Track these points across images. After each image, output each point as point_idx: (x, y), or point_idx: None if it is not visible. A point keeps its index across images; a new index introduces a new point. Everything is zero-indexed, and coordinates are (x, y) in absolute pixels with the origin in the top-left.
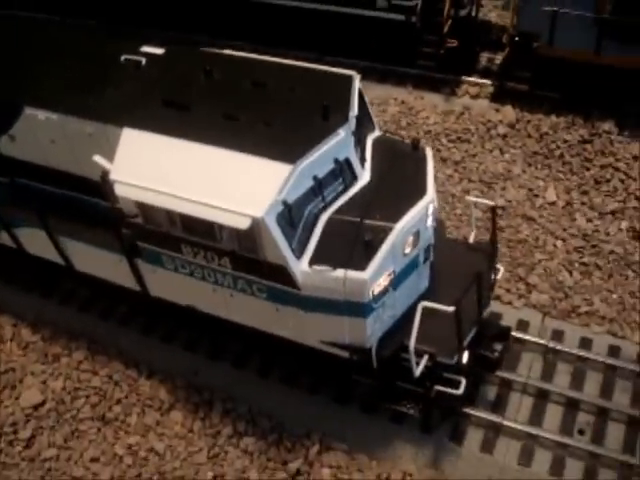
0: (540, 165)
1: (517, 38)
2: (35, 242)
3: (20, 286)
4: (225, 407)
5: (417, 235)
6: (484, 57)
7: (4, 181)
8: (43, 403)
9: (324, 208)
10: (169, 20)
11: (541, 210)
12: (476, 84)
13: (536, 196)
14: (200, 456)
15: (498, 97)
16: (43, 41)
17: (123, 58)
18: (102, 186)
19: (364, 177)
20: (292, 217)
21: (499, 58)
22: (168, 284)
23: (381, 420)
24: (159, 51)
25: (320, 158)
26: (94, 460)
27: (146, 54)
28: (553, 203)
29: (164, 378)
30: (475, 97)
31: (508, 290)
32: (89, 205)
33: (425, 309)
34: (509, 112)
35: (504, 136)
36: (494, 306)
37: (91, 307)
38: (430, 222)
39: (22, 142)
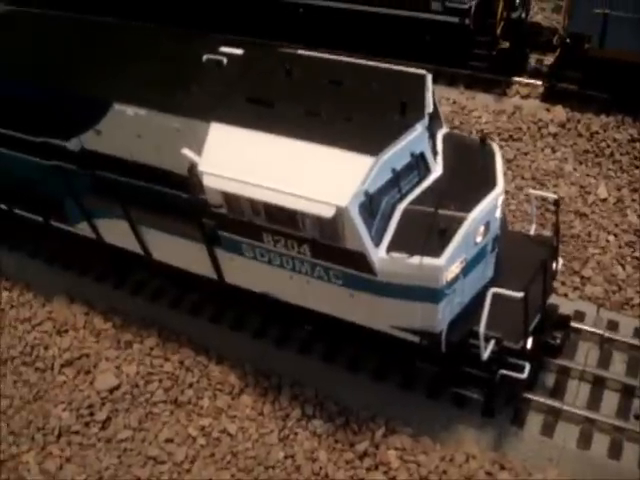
0: (591, 163)
1: (568, 40)
2: (115, 232)
3: (92, 277)
4: (293, 392)
5: (487, 225)
6: (534, 58)
7: (86, 174)
8: (118, 387)
9: (400, 199)
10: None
11: (593, 206)
12: (527, 84)
13: (588, 193)
14: (271, 437)
15: (548, 97)
16: (125, 42)
17: (205, 58)
18: (188, 178)
19: (437, 170)
20: (372, 207)
21: (549, 59)
22: (245, 272)
23: (444, 405)
24: (238, 51)
25: (399, 151)
26: (168, 441)
27: (226, 54)
28: (604, 200)
29: (233, 364)
30: (526, 97)
31: (563, 283)
32: (170, 197)
33: (493, 295)
34: (559, 112)
35: (555, 135)
36: (550, 298)
37: (161, 297)
38: (499, 213)
39: (108, 137)
